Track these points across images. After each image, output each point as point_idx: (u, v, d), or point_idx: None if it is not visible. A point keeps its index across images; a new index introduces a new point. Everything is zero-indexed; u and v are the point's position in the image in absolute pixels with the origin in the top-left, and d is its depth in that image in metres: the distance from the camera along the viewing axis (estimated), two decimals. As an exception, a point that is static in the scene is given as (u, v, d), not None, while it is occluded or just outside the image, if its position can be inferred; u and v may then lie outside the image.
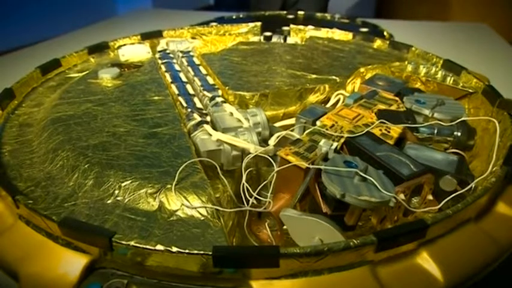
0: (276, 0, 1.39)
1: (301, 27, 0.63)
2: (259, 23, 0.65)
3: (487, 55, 0.81)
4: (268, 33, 0.85)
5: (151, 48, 0.58)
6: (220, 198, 0.29)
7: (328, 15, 1.04)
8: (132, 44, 0.59)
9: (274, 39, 0.65)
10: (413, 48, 0.51)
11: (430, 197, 0.29)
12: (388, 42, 0.54)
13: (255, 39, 0.65)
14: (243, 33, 0.65)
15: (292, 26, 0.64)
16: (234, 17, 1.06)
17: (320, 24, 1.01)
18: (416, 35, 1.00)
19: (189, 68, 0.49)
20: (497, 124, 0.29)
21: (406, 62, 0.48)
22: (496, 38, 0.91)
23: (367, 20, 0.96)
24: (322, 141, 0.31)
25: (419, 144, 0.34)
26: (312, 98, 0.44)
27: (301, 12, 1.07)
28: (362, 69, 0.47)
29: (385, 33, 0.84)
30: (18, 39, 2.79)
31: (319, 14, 1.06)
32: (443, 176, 0.30)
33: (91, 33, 1.05)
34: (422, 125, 0.35)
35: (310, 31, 0.62)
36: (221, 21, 1.02)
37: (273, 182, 0.30)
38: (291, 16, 1.05)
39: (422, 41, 0.94)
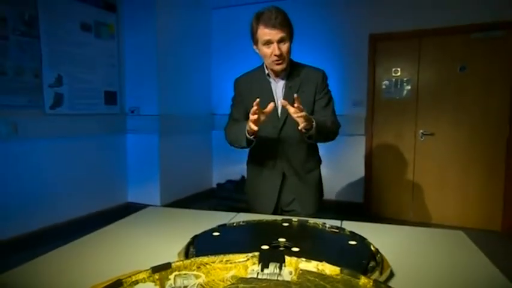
0: (269, 204, 1.58)
1: (295, 258, 0.71)
2: (257, 253, 0.73)
3: (462, 262, 0.91)
4: (265, 246, 0.94)
5: (160, 280, 0.64)
6: None
7: (319, 223, 1.15)
8: (143, 279, 0.66)
9: (271, 267, 0.72)
10: (393, 291, 0.58)
11: None
12: (372, 282, 0.61)
13: (254, 267, 0.72)
14: (243, 261, 0.73)
15: (286, 257, 0.72)
16: (234, 224, 1.18)
17: (312, 231, 1.12)
18: (401, 241, 1.09)
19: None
20: None
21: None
22: (469, 245, 1.03)
23: (355, 231, 1.06)
24: None
25: None
26: None
27: (295, 219, 1.20)
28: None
29: (371, 248, 0.93)
30: (38, 221, 2.92)
31: (311, 221, 1.18)
32: None
33: (110, 233, 1.15)
34: None
35: (302, 263, 0.70)
36: (223, 228, 1.13)
37: None
38: (286, 224, 1.17)
39: (406, 246, 1.03)
